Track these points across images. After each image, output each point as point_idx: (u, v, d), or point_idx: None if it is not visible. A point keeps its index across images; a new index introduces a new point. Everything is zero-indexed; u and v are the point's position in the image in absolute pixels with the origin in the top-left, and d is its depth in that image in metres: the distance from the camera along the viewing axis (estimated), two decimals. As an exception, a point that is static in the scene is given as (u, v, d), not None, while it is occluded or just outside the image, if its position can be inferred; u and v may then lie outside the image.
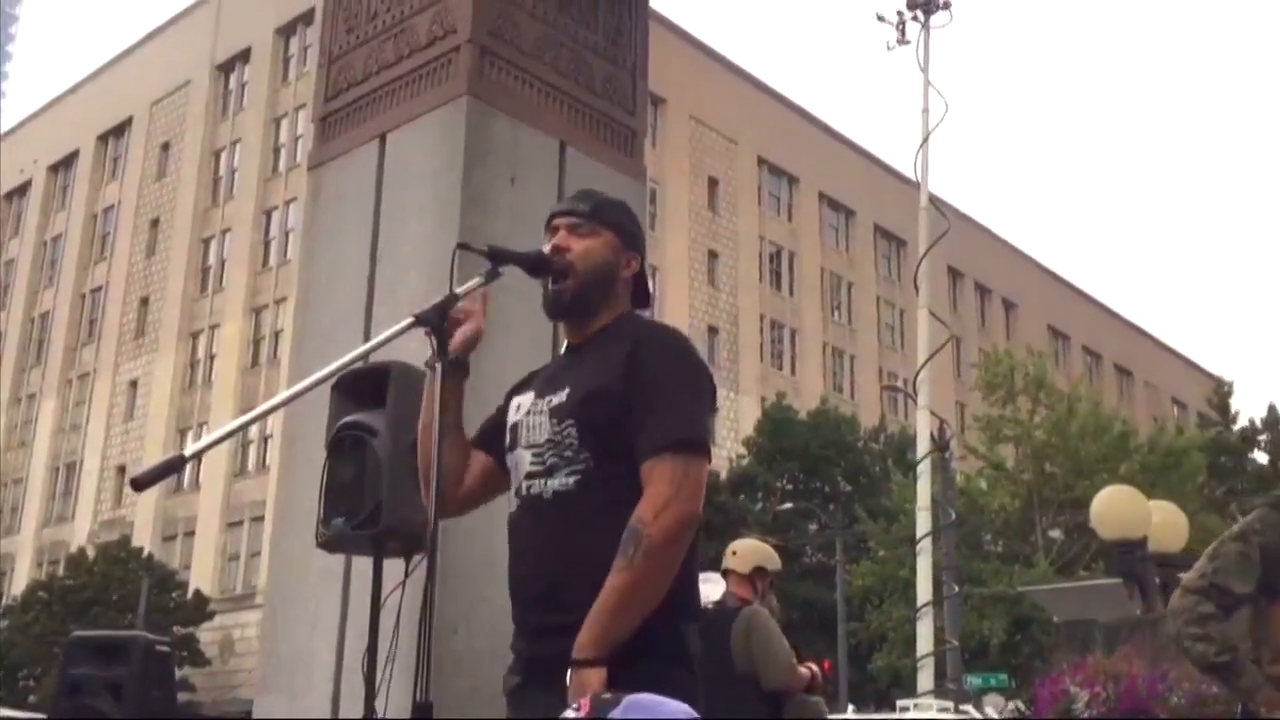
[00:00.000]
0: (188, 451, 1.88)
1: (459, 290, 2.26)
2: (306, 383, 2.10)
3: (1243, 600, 3.25)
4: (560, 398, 2.31)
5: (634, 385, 2.24)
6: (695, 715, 1.99)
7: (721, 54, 45.26)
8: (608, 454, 2.24)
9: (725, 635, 5.10)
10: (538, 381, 2.43)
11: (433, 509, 2.14)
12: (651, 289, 2.57)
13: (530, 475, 2.31)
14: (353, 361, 2.22)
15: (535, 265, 2.37)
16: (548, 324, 4.86)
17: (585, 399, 2.27)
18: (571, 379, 2.32)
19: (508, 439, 2.40)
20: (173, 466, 1.88)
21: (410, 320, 2.18)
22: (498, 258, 2.31)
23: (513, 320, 4.25)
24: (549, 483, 2.27)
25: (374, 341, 2.21)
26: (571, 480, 2.25)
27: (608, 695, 1.99)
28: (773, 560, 5.44)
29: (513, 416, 2.40)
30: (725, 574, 5.42)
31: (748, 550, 5.44)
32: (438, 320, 2.19)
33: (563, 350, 2.45)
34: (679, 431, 2.20)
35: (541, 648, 2.24)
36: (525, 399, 2.40)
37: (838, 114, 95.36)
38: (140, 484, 1.84)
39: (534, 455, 2.31)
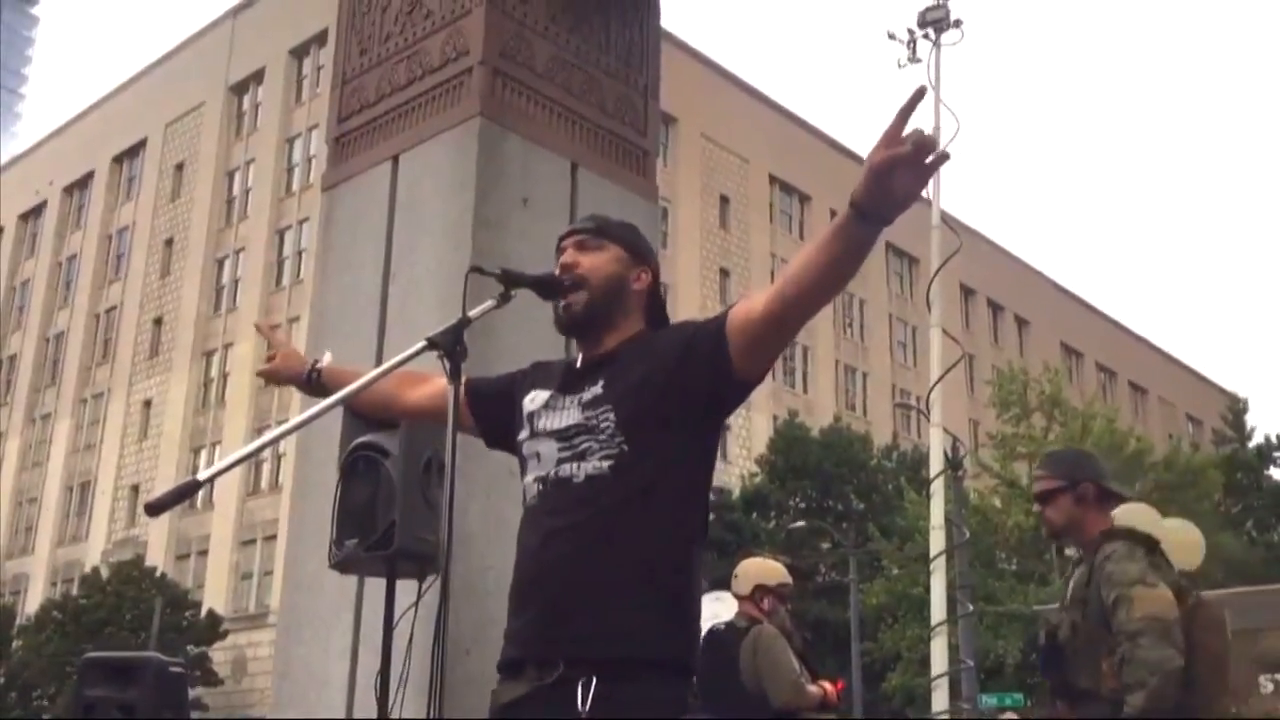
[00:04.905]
0: (202, 476, 1.89)
1: (471, 314, 2.27)
2: (321, 406, 2.12)
3: None
4: (595, 391, 2.31)
5: (690, 350, 2.29)
6: None
7: (732, 73, 45.42)
8: (643, 441, 2.23)
9: (735, 654, 5.10)
10: (552, 381, 2.42)
11: (445, 534, 2.14)
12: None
13: (560, 460, 2.29)
14: (368, 384, 2.23)
15: (547, 287, 2.38)
16: (558, 345, 4.87)
17: (627, 388, 2.28)
18: (605, 376, 2.32)
19: (524, 428, 2.39)
20: (187, 491, 1.89)
21: (423, 344, 2.19)
22: (510, 281, 2.33)
23: (523, 342, 4.26)
24: (581, 465, 2.26)
25: (387, 365, 2.22)
26: (606, 464, 2.23)
27: None
28: (773, 575, 5.40)
29: (528, 406, 2.41)
30: (736, 595, 5.43)
31: (746, 571, 5.43)
32: (451, 344, 2.20)
33: (577, 364, 2.43)
34: None
35: (557, 646, 2.19)
36: (540, 393, 2.40)
37: (849, 132, 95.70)
38: (155, 509, 1.85)
39: (561, 441, 2.30)
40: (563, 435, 2.30)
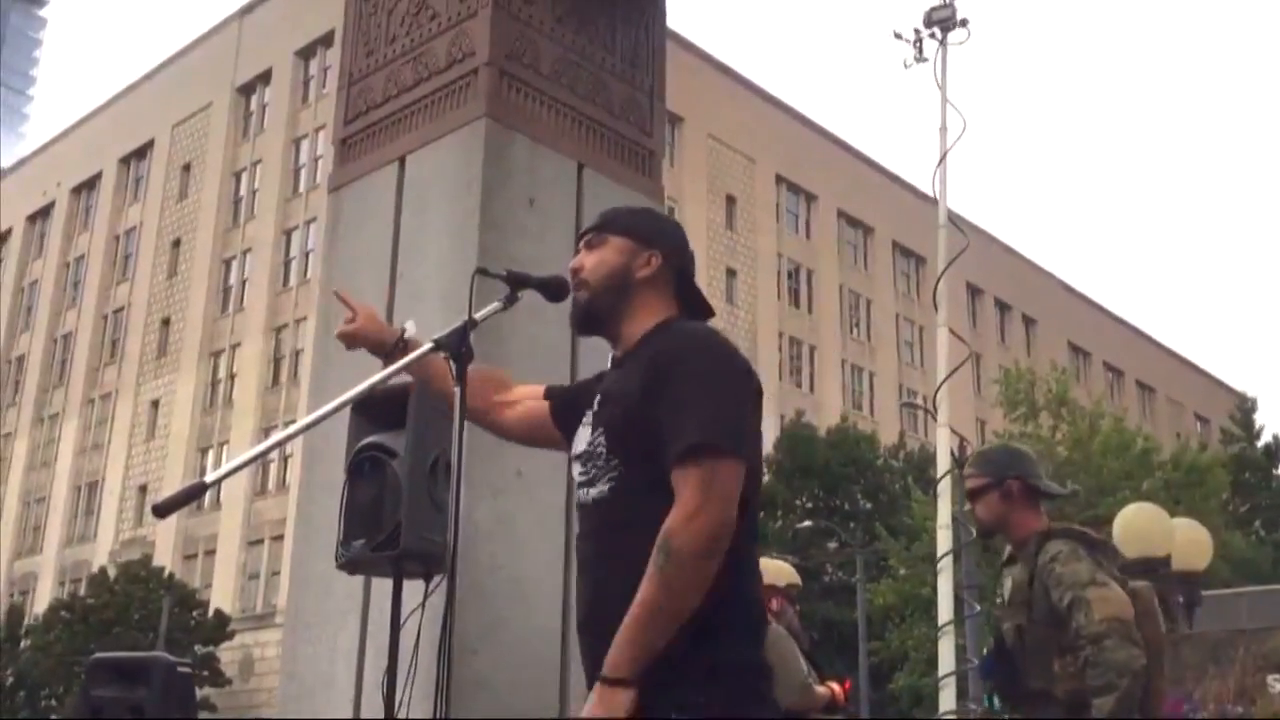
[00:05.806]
0: (209, 479, 1.89)
1: (477, 315, 2.27)
2: (327, 408, 2.12)
3: None
4: (593, 409, 2.31)
5: (655, 395, 2.14)
6: None
7: (739, 72, 45.39)
8: (635, 459, 2.20)
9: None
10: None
11: (452, 535, 2.14)
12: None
13: (579, 484, 2.31)
14: (374, 386, 2.24)
15: (553, 289, 2.38)
16: (564, 347, 4.87)
17: (610, 407, 2.26)
18: (603, 390, 2.32)
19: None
20: (193, 493, 1.89)
21: (430, 345, 2.20)
22: (516, 282, 2.33)
23: (529, 343, 4.27)
24: (590, 491, 2.27)
25: (394, 366, 2.23)
26: (608, 488, 2.23)
27: None
28: (783, 576, 5.41)
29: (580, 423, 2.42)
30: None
31: None
32: (456, 346, 2.20)
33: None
34: (700, 435, 2.07)
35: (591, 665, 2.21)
36: (588, 410, 2.41)
37: (856, 131, 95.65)
38: (161, 511, 1.85)
39: (580, 464, 2.32)
40: (580, 459, 2.31)
